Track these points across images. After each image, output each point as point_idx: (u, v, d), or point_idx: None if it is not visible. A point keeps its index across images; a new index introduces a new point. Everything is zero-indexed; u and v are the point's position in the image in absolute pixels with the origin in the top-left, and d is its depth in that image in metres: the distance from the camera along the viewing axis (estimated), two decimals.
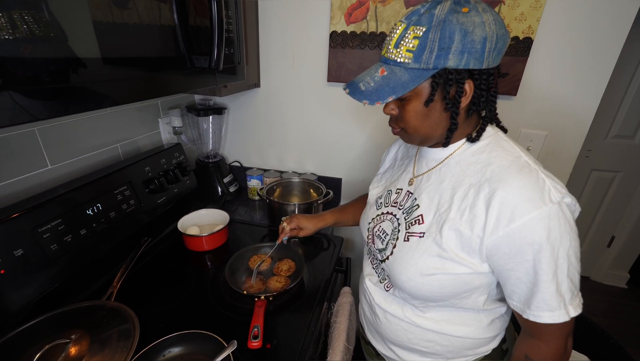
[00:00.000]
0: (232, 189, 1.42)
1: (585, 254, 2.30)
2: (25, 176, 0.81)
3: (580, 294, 0.54)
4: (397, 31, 0.53)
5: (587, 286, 2.32)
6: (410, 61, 0.52)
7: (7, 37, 0.39)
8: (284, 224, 0.95)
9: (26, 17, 0.41)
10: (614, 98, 1.88)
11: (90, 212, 0.84)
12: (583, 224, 2.23)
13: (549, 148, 1.15)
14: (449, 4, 0.50)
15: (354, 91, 0.57)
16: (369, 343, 0.84)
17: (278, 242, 0.95)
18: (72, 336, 0.66)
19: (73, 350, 0.64)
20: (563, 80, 1.04)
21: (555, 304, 0.52)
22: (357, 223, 0.96)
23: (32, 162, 0.82)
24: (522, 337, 0.62)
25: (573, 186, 2.13)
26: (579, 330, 1.21)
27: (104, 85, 0.54)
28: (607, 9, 0.93)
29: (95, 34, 0.50)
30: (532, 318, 0.54)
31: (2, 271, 0.65)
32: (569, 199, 0.52)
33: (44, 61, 0.44)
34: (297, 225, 0.95)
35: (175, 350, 0.69)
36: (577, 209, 0.54)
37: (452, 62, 0.50)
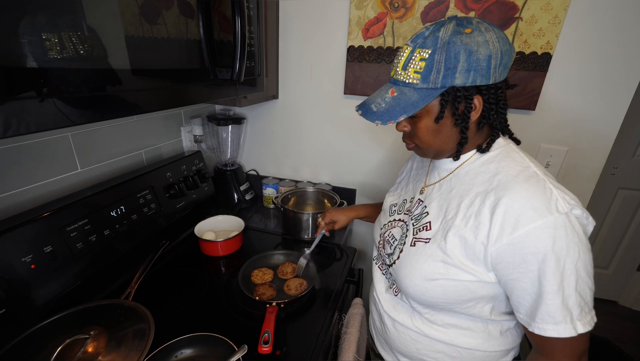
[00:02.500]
0: (248, 197, 1.45)
1: (613, 277, 2.18)
2: (58, 177, 0.86)
3: (593, 312, 0.53)
4: (404, 54, 0.56)
5: (615, 311, 2.18)
6: (418, 81, 0.54)
7: (51, 53, 0.44)
8: (319, 219, 1.04)
9: (66, 34, 0.45)
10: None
11: (114, 214, 0.88)
12: (610, 246, 2.13)
13: (570, 164, 1.12)
14: (452, 26, 0.52)
15: (366, 112, 0.60)
16: (378, 356, 0.83)
17: (317, 235, 1.03)
18: (92, 332, 0.69)
19: (91, 346, 0.67)
20: (584, 95, 1.02)
21: (561, 317, 0.50)
22: None
23: (65, 166, 0.88)
24: (531, 356, 0.60)
25: (598, 205, 2.04)
26: (608, 358, 1.14)
27: (134, 94, 0.58)
28: (631, 24, 0.92)
29: (127, 47, 0.55)
30: (536, 331, 0.53)
31: (32, 266, 0.69)
32: (579, 211, 0.51)
33: (83, 71, 0.48)
34: (330, 219, 1.03)
35: (188, 352, 0.70)
36: (590, 222, 0.53)
37: (459, 81, 0.52)
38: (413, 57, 0.54)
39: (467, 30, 0.51)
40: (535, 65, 1.00)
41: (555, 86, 1.03)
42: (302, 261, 0.99)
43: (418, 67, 0.53)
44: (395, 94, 0.57)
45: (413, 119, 0.60)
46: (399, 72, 0.56)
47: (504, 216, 0.52)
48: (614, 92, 0.99)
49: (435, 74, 0.52)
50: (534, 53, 0.99)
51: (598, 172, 1.11)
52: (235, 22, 0.76)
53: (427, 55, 0.52)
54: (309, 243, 1.18)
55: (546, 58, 0.99)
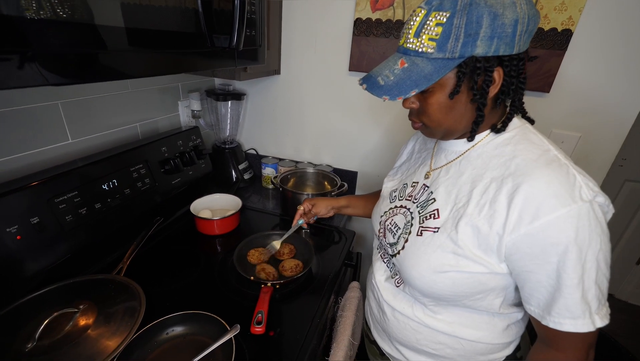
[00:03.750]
0: (246, 176, 1.42)
1: (612, 270, 2.16)
2: (47, 148, 0.83)
3: (607, 304, 0.50)
4: (417, 18, 0.49)
5: (611, 304, 2.06)
6: (433, 50, 0.48)
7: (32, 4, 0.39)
8: (299, 206, 0.97)
9: None
10: None
11: (105, 187, 0.85)
12: (611, 238, 2.08)
13: (582, 152, 1.07)
14: None
15: (372, 86, 0.53)
16: (373, 342, 0.81)
17: (294, 224, 0.96)
18: (81, 307, 0.67)
19: (80, 320, 0.65)
20: (604, 78, 0.96)
21: (580, 312, 0.48)
22: (367, 215, 0.94)
23: (54, 135, 0.84)
24: (537, 346, 0.57)
25: None
26: (603, 350, 1.14)
27: (123, 56, 0.53)
28: None
29: (120, 3, 0.50)
30: (551, 325, 0.50)
31: (18, 237, 0.66)
32: (602, 198, 0.48)
33: (67, 26, 0.43)
34: (309, 204, 0.96)
35: (179, 329, 0.68)
36: (610, 210, 0.50)
37: (480, 50, 0.47)
38: (428, 22, 0.47)
39: None
40: (554, 43, 0.94)
41: (573, 67, 0.97)
42: (272, 248, 0.94)
43: (433, 33, 0.47)
44: (406, 65, 0.50)
45: (423, 95, 0.54)
46: (410, 40, 0.50)
47: (523, 204, 0.48)
48: (636, 77, 0.93)
49: (454, 42, 0.46)
50: (554, 29, 0.93)
51: (609, 162, 1.06)
52: None
53: (444, 20, 0.46)
54: (308, 225, 1.16)
55: (566, 35, 0.92)
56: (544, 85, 0.99)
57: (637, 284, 2.14)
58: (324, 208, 0.96)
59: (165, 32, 0.61)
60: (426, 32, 0.48)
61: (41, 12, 0.40)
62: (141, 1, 0.54)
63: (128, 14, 0.52)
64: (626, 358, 1.16)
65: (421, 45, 0.49)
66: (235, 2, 0.71)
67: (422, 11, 0.48)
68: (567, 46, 0.93)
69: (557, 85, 1.00)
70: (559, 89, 1.00)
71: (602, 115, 1.00)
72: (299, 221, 0.96)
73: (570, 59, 0.96)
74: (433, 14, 0.47)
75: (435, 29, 0.47)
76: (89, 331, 0.62)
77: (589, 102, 1.00)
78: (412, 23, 0.50)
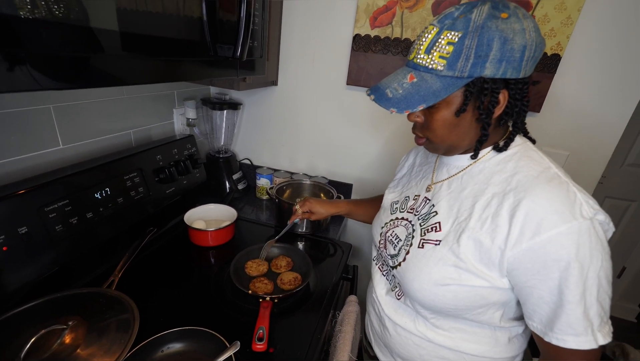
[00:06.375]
0: (240, 186, 1.40)
1: None
2: (37, 153, 0.79)
3: (610, 322, 0.51)
4: (429, 36, 0.50)
5: None
6: (443, 68, 0.50)
7: (26, 7, 0.37)
8: (297, 206, 0.96)
9: None
10: (633, 125, 1.84)
11: (98, 195, 0.82)
12: None
13: (569, 170, 1.08)
14: (487, 8, 0.48)
15: (380, 98, 0.55)
16: (374, 358, 0.80)
17: (289, 223, 0.96)
18: (69, 323, 0.63)
19: (69, 337, 0.61)
20: (590, 100, 1.01)
21: (582, 329, 0.48)
22: (369, 221, 0.94)
23: (45, 141, 0.81)
24: None
25: None
26: None
27: (120, 62, 0.50)
28: None
29: (116, 7, 0.48)
30: (554, 342, 0.50)
31: (4, 248, 0.62)
32: (602, 216, 0.49)
33: (60, 27, 0.41)
34: (309, 208, 0.96)
35: (176, 346, 0.65)
36: (611, 228, 0.51)
37: (488, 71, 0.48)
38: (439, 40, 0.49)
39: (504, 15, 0.47)
40: (544, 66, 0.99)
41: (561, 89, 1.02)
42: (267, 249, 0.94)
43: (445, 51, 0.49)
44: (415, 80, 0.52)
45: (429, 110, 0.55)
46: (421, 56, 0.51)
47: (524, 219, 0.49)
48: (620, 98, 0.99)
49: (464, 62, 0.48)
50: (544, 54, 0.98)
51: (596, 179, 1.11)
52: None
53: (456, 39, 0.48)
54: (303, 237, 1.15)
55: (555, 60, 0.97)
56: (535, 105, 1.03)
57: (618, 297, 2.21)
58: (323, 216, 0.97)
59: (167, 38, 0.60)
60: (437, 49, 0.49)
61: (36, 11, 0.38)
62: (143, 7, 0.53)
63: (126, 18, 0.49)
64: None
65: (431, 62, 0.50)
66: (242, 12, 0.72)
67: (434, 29, 0.50)
68: (556, 69, 0.98)
69: (547, 105, 1.04)
70: (549, 109, 1.05)
71: (588, 134, 1.05)
72: (294, 220, 0.96)
73: (559, 82, 1.01)
74: (445, 32, 0.49)
75: (447, 47, 0.48)
76: (78, 350, 0.59)
77: (577, 121, 1.05)
78: (423, 39, 0.51)
